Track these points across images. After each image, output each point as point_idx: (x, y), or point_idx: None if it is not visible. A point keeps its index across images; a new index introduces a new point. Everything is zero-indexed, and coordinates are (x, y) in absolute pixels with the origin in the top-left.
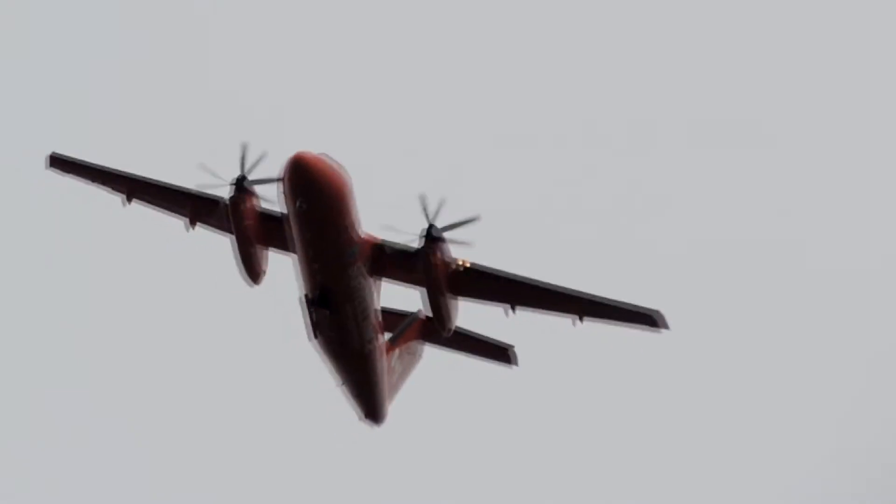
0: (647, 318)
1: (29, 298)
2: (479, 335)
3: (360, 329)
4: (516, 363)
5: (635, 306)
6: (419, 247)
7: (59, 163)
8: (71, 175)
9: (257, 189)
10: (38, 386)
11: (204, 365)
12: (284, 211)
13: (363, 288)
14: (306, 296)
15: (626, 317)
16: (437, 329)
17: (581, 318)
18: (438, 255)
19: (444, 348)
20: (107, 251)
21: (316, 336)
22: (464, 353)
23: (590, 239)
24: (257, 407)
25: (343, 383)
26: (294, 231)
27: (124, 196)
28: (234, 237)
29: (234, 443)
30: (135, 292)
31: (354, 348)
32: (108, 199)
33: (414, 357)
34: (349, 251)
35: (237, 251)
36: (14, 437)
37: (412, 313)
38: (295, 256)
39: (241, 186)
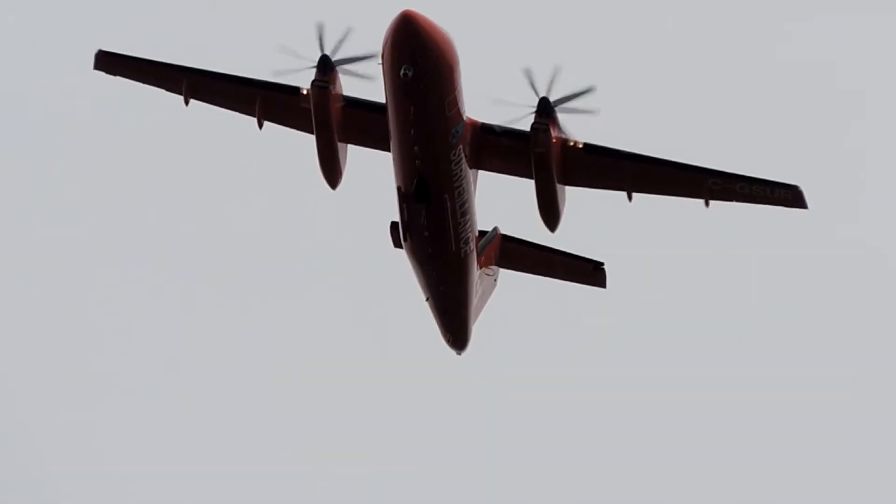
0: (787, 194)
1: (94, 212)
2: (565, 252)
3: (458, 227)
4: (605, 284)
5: (774, 181)
6: (530, 124)
7: (108, 60)
8: (121, 75)
9: (342, 75)
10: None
11: (285, 276)
12: (382, 86)
13: (464, 177)
14: (400, 189)
15: (763, 192)
16: (544, 226)
17: (709, 201)
18: (552, 132)
19: (523, 271)
20: (168, 156)
21: (408, 238)
22: (546, 274)
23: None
24: (340, 320)
25: (431, 297)
26: (393, 108)
27: (183, 95)
28: (316, 131)
29: (313, 362)
30: (204, 201)
31: (450, 250)
32: (165, 100)
33: (491, 280)
34: (454, 130)
35: (320, 147)
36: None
37: (491, 231)
38: (380, 153)
39: (326, 67)
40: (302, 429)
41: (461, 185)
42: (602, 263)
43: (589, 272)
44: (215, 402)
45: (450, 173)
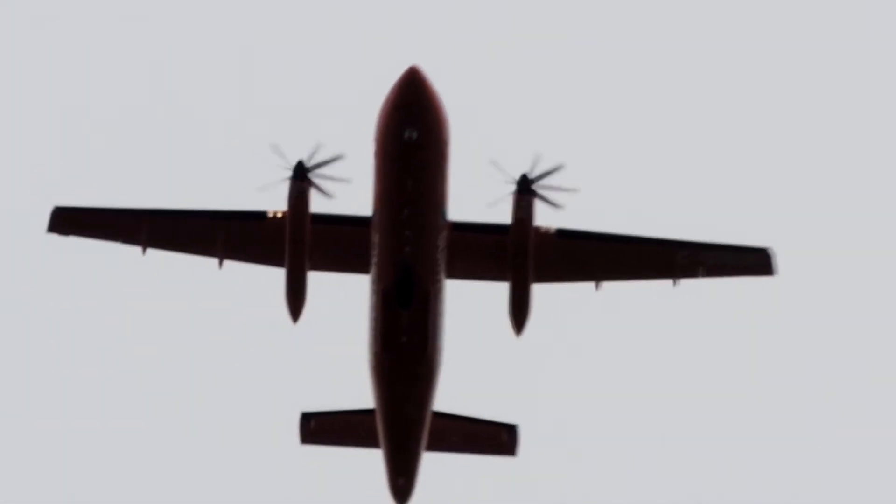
0: (757, 259)
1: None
2: (472, 418)
3: (436, 329)
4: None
5: (743, 246)
6: (513, 205)
7: (65, 218)
8: (76, 233)
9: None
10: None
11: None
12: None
13: (443, 271)
14: (381, 291)
15: (731, 261)
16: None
17: (677, 280)
18: (533, 211)
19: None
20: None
21: (380, 351)
22: (448, 450)
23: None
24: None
25: (387, 428)
26: (386, 185)
27: (142, 245)
28: (289, 251)
29: None
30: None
31: (426, 355)
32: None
33: None
34: (442, 210)
35: (291, 271)
36: None
37: None
38: (342, 275)
39: (301, 175)
40: None
41: (441, 280)
42: (515, 427)
43: (499, 441)
44: None
45: (435, 262)
